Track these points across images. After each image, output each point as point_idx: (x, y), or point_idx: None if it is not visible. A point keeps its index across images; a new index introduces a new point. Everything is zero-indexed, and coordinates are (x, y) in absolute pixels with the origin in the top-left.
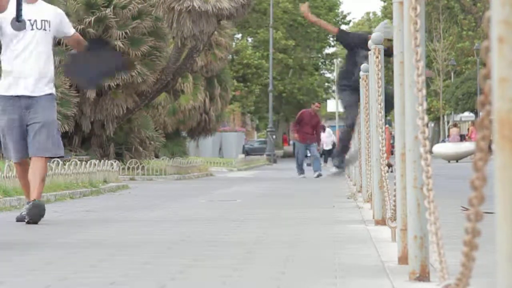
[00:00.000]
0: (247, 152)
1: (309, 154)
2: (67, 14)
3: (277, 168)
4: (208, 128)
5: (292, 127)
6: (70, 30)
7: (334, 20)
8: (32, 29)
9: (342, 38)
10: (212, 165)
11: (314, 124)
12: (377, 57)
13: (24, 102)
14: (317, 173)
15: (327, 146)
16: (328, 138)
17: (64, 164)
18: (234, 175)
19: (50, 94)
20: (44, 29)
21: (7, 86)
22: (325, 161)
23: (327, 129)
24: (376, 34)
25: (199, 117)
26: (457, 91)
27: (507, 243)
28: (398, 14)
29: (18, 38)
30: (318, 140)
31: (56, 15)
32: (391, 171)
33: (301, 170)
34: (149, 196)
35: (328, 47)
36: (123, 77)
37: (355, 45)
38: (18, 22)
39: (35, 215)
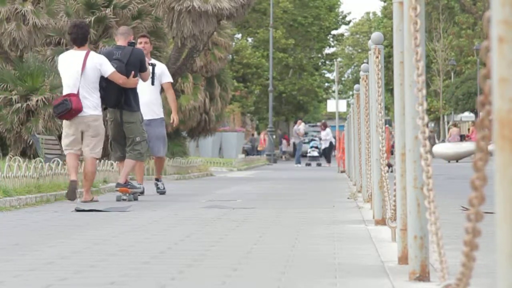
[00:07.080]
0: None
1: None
2: (68, 14)
3: (277, 168)
4: (208, 128)
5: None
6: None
7: (334, 20)
8: None
9: None
10: (212, 165)
11: None
12: (377, 57)
13: None
14: None
15: (325, 145)
16: (327, 137)
17: (64, 164)
18: (234, 175)
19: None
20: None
21: None
22: (328, 161)
23: (327, 129)
24: (376, 34)
25: (199, 117)
26: (457, 91)
27: (507, 243)
28: (398, 14)
29: None
30: None
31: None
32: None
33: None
34: (149, 196)
35: (328, 47)
36: None
37: None
38: None
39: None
